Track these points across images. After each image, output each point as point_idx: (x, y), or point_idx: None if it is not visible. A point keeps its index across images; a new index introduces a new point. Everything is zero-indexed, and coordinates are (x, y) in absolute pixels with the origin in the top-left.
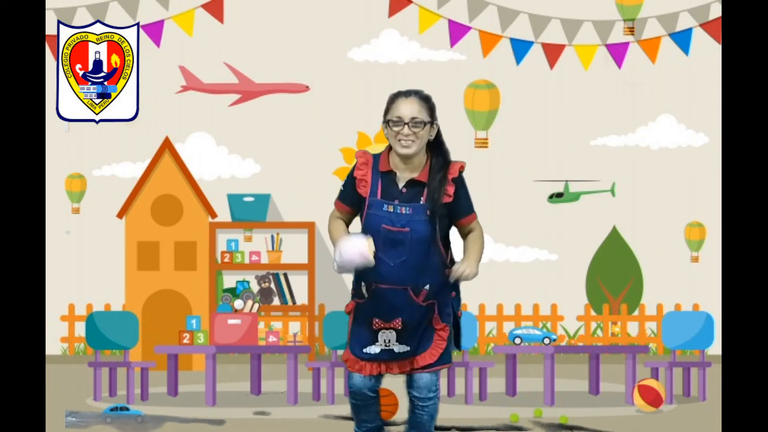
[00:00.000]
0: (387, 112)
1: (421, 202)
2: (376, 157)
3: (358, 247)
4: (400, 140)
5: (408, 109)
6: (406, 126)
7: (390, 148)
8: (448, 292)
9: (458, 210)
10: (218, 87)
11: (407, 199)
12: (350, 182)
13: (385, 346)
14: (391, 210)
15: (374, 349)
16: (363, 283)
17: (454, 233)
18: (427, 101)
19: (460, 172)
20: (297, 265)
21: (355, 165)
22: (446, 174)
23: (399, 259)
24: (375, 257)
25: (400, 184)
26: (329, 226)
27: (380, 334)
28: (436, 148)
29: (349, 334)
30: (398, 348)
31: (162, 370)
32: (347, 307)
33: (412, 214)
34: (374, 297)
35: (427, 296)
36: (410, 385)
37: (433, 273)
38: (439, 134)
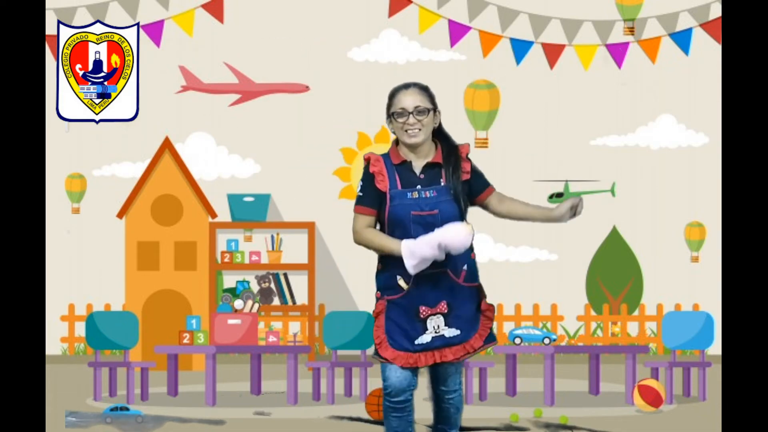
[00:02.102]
0: (389, 107)
1: (442, 184)
2: (385, 155)
3: (462, 231)
4: (407, 131)
5: (410, 99)
6: (410, 116)
7: (397, 143)
8: (477, 272)
9: (478, 185)
10: (218, 87)
11: (427, 182)
12: (369, 181)
13: (436, 332)
14: (416, 196)
15: (426, 338)
16: (400, 277)
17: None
18: (426, 90)
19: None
20: (297, 265)
21: (366, 165)
22: (459, 154)
23: None
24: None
25: (417, 171)
26: (365, 237)
27: (429, 321)
28: (441, 134)
29: (383, 333)
30: (449, 332)
31: (162, 370)
32: (377, 308)
33: (437, 196)
34: (417, 286)
35: (467, 276)
36: (436, 379)
37: (467, 251)
38: (440, 123)
